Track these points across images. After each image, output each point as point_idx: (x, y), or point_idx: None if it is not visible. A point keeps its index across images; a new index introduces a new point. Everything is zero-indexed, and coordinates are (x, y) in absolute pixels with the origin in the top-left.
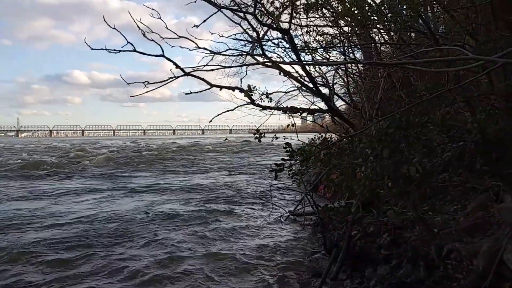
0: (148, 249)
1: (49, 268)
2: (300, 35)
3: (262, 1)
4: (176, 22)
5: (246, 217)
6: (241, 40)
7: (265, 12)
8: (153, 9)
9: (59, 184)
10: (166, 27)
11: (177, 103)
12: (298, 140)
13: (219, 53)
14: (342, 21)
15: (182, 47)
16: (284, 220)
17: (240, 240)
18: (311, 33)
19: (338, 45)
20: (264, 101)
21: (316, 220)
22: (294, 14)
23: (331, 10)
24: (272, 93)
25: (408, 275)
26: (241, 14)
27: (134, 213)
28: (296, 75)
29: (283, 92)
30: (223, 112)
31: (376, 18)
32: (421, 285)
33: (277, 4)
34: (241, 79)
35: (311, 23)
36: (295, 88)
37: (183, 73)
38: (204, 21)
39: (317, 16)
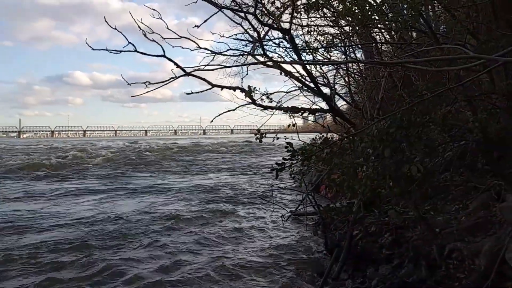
0: (150, 252)
1: (47, 271)
2: (301, 35)
3: (263, 1)
4: (177, 22)
5: (248, 217)
6: (242, 40)
7: (266, 12)
8: (154, 10)
9: (59, 185)
10: (167, 28)
11: (178, 103)
12: (300, 140)
13: (220, 53)
14: (343, 21)
15: (183, 48)
16: (286, 220)
17: (243, 241)
18: (312, 33)
19: (339, 44)
20: (265, 101)
21: (318, 220)
22: (295, 14)
23: (332, 10)
24: (273, 93)
25: (410, 274)
26: (242, 14)
27: (135, 214)
28: (297, 75)
29: (284, 92)
30: (224, 112)
31: (377, 17)
32: (423, 285)
33: (278, 4)
34: (242, 79)
35: (312, 23)
36: (296, 88)
37: (184, 73)
38: (205, 21)
39: (318, 16)
